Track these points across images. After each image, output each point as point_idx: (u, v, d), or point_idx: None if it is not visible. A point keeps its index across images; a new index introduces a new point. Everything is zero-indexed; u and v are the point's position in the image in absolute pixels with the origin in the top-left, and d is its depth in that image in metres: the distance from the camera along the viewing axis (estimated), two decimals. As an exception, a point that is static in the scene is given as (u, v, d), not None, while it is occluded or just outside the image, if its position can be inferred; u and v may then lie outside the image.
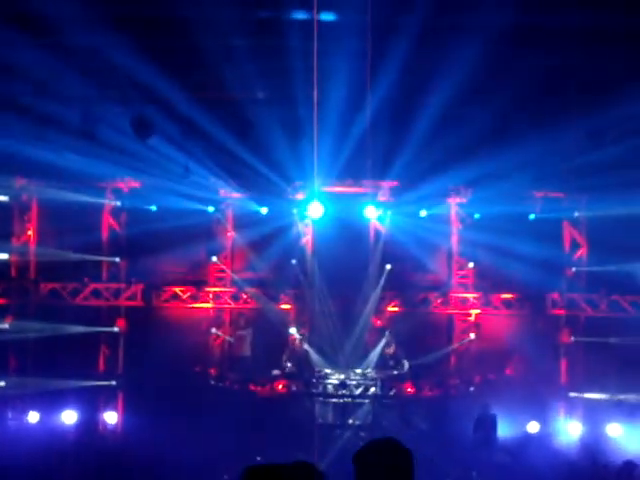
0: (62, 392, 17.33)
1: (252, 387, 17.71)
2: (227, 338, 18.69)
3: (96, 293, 18.34)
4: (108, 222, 18.43)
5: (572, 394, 17.89)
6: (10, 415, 17.65)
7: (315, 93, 14.36)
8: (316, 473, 5.43)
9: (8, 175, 17.07)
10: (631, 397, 16.87)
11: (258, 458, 14.00)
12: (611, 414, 17.04)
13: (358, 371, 17.35)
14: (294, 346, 17.98)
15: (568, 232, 18.40)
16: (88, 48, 13.72)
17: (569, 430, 17.55)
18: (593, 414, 17.42)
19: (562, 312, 18.09)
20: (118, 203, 18.34)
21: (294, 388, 17.54)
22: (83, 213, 17.55)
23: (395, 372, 17.64)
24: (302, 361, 17.84)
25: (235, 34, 13.83)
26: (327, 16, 13.82)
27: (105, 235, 18.45)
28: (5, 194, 17.64)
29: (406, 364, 17.68)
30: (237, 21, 13.56)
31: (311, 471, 5.43)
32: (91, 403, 17.99)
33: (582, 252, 18.32)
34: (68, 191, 17.29)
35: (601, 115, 14.97)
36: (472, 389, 17.75)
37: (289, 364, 17.78)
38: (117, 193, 18.35)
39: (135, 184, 18.16)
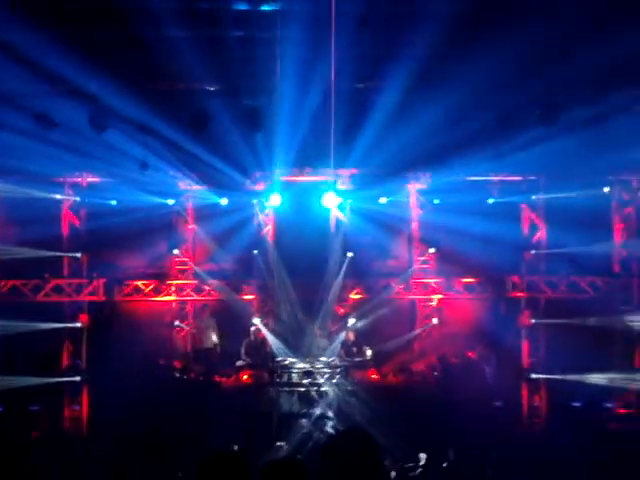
0: (26, 389, 17.22)
1: (217, 378, 17.74)
2: (191, 330, 18.72)
3: (58, 289, 18.21)
4: (68, 218, 18.32)
5: (534, 375, 18.10)
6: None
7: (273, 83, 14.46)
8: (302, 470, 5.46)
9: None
10: (592, 377, 17.04)
11: (235, 447, 14.06)
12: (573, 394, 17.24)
13: (322, 359, 17.35)
14: (255, 337, 17.99)
15: (527, 215, 18.53)
16: (32, 45, 13.52)
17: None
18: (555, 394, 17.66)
19: (522, 294, 18.22)
20: (77, 198, 18.25)
21: (259, 378, 17.59)
22: (42, 209, 17.39)
23: (358, 359, 17.72)
24: (263, 351, 17.89)
25: (180, 25, 13.70)
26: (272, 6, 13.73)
27: (65, 231, 18.34)
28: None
29: (369, 351, 17.77)
30: (182, 11, 13.45)
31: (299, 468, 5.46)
32: (56, 399, 17.93)
33: (541, 235, 18.46)
34: (26, 187, 17.16)
35: (556, 98, 15.09)
36: (436, 374, 17.89)
37: (247, 356, 17.85)
38: (75, 188, 18.26)
39: (94, 179, 18.09)
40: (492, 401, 17.07)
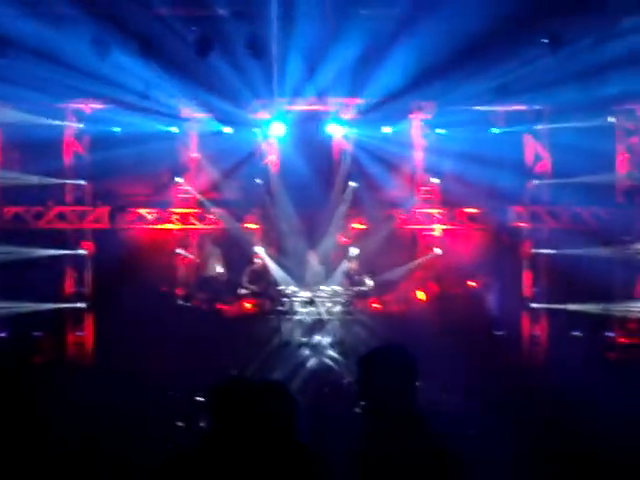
0: (29, 315, 17.33)
1: (219, 306, 17.85)
2: (194, 259, 18.78)
3: (61, 216, 18.27)
4: (71, 145, 18.27)
5: (534, 305, 18.20)
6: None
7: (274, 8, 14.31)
8: (287, 395, 5.54)
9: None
10: (592, 307, 17.14)
11: (234, 372, 14.17)
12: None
13: (324, 288, 17.43)
14: (257, 265, 18.04)
15: (531, 145, 18.45)
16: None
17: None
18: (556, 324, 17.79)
19: (525, 225, 18.25)
20: (80, 125, 18.18)
21: (261, 306, 17.70)
22: (45, 136, 17.29)
23: (360, 289, 17.79)
24: (266, 280, 17.96)
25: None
26: None
27: (68, 158, 18.30)
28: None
29: (371, 281, 17.83)
30: None
31: (282, 393, 5.54)
32: (59, 325, 18.07)
33: (544, 165, 18.40)
34: (28, 113, 17.06)
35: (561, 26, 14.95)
36: (437, 303, 18.00)
37: (250, 284, 17.92)
38: (79, 115, 18.19)
39: (97, 105, 17.98)
40: (493, 330, 17.22)
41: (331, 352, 16.69)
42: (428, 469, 4.74)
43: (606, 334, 17.74)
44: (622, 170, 17.99)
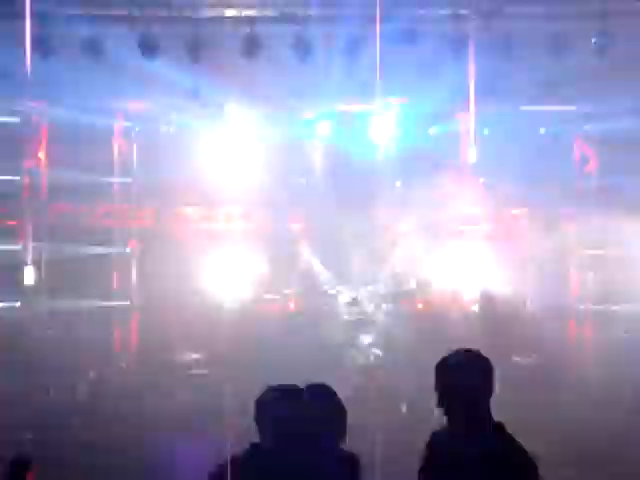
0: (77, 313, 17.49)
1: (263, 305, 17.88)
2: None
3: (107, 214, 18.43)
4: (119, 143, 18.43)
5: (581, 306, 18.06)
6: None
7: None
8: (336, 400, 5.54)
9: (17, 96, 16.98)
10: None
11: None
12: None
13: (369, 288, 17.42)
14: (301, 265, 18.07)
15: (578, 147, 18.31)
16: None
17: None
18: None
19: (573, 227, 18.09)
20: (128, 124, 18.34)
21: (305, 306, 17.72)
22: (94, 135, 17.47)
23: (405, 289, 17.76)
24: (310, 279, 17.97)
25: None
26: None
27: (116, 156, 18.46)
28: (15, 115, 17.60)
29: (415, 281, 17.78)
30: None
31: (331, 397, 5.55)
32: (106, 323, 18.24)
33: (591, 166, 18.25)
34: (78, 112, 17.23)
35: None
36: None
37: (298, 283, 17.95)
38: (127, 114, 18.34)
39: (145, 105, 18.10)
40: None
41: (377, 351, 16.69)
42: (505, 472, 4.82)
43: None
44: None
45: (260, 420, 5.32)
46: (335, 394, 5.50)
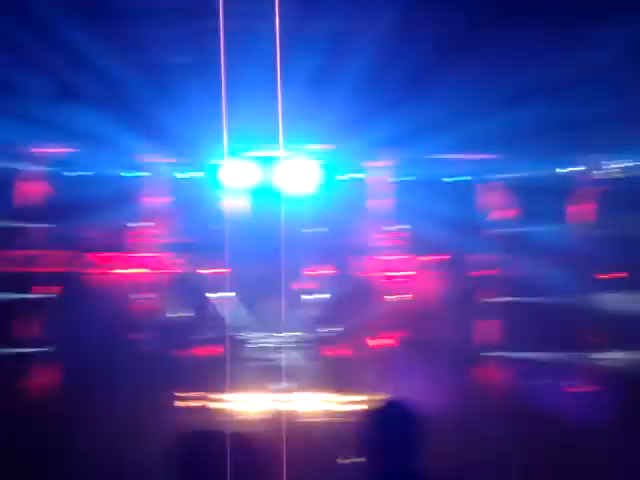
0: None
1: (178, 352, 17.82)
2: (151, 302, 18.77)
3: (27, 260, 18.30)
4: (33, 188, 18.36)
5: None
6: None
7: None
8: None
9: None
10: (548, 356, 17.08)
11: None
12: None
13: (286, 334, 17.42)
14: (213, 310, 18.06)
15: (486, 194, 18.48)
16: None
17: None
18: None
19: (481, 273, 18.21)
20: (45, 169, 18.30)
21: (215, 351, 17.65)
22: (6, 179, 17.43)
23: (325, 333, 17.77)
24: (222, 325, 17.94)
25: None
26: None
27: (30, 201, 18.37)
28: None
29: (335, 326, 17.81)
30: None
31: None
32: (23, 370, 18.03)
33: (499, 213, 18.41)
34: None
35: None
36: (395, 348, 17.93)
37: (208, 328, 17.92)
38: (45, 159, 18.31)
39: (63, 150, 18.10)
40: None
41: (296, 397, 16.66)
42: None
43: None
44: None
45: None
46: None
